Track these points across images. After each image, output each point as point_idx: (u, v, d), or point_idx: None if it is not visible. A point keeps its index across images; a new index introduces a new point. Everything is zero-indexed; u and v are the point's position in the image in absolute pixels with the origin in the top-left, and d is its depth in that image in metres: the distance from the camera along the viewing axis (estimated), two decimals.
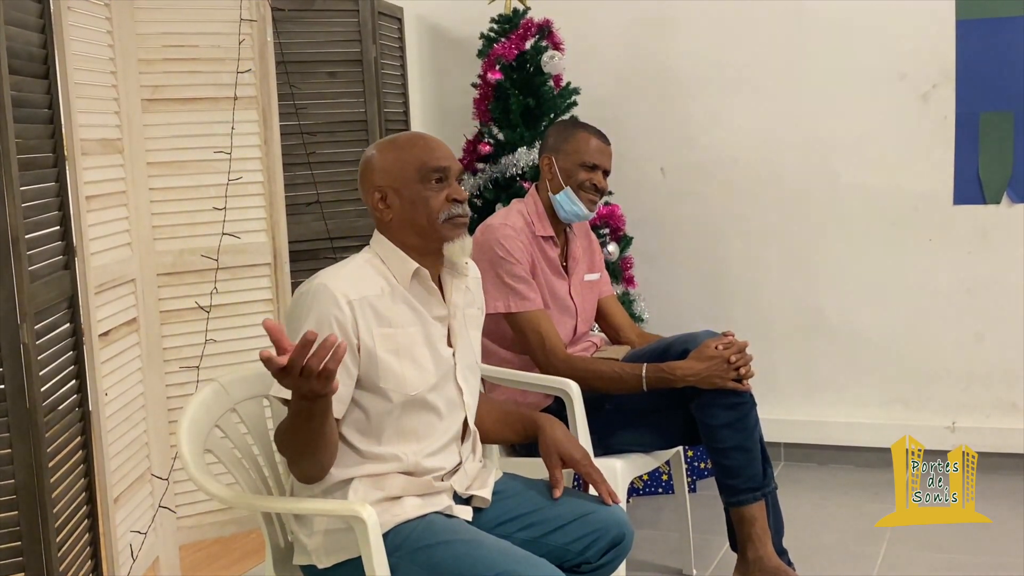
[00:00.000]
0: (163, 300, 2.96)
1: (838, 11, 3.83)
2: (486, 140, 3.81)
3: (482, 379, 2.42)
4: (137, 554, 2.69)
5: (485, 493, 2.11)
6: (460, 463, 2.11)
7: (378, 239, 2.09)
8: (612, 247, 3.72)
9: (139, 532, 2.73)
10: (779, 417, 3.90)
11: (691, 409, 2.69)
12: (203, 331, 3.00)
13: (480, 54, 3.88)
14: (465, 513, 2.05)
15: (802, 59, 3.91)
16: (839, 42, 3.85)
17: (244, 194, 3.07)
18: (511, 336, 2.80)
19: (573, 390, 2.63)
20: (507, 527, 2.08)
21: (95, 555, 2.46)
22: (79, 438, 2.39)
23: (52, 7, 2.36)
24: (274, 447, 2.22)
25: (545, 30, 3.82)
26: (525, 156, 3.71)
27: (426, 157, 2.05)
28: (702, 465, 3.80)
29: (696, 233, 4.12)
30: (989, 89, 3.69)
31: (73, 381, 2.37)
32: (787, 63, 3.93)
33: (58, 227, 2.34)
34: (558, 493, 2.13)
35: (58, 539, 2.18)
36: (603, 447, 2.68)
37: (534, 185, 3.01)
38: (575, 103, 3.85)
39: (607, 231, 3.74)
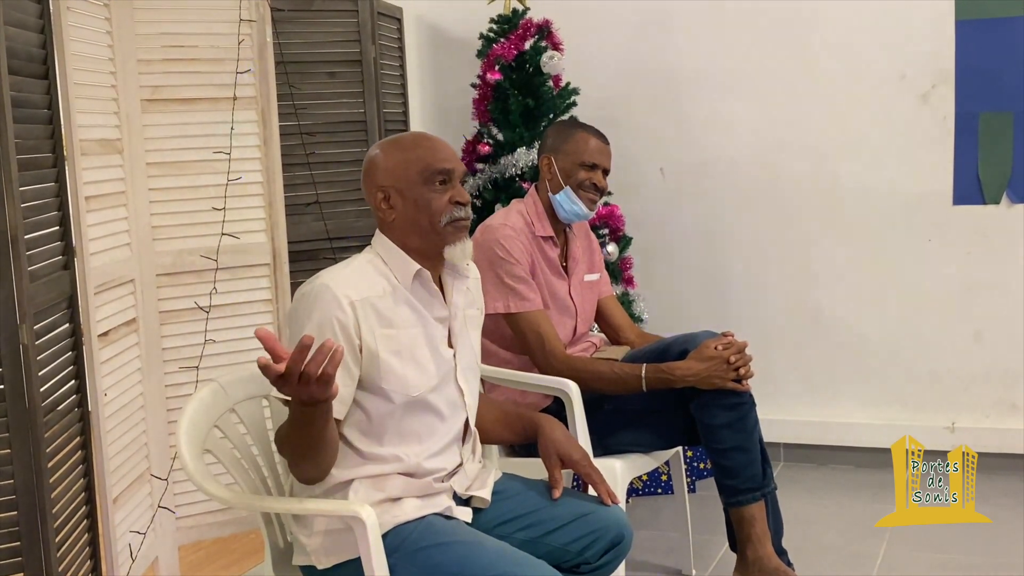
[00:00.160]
0: (162, 300, 2.96)
1: (838, 12, 3.84)
2: (485, 140, 3.81)
3: (481, 379, 2.42)
4: (136, 554, 2.69)
5: (485, 494, 2.11)
6: (461, 464, 2.11)
7: (380, 239, 2.08)
8: (612, 247, 3.72)
9: (138, 532, 2.72)
10: (779, 417, 3.90)
11: (690, 409, 2.69)
12: (202, 331, 3.00)
13: (479, 54, 3.88)
14: (465, 515, 2.05)
15: (802, 59, 3.91)
16: (839, 42, 3.86)
17: (243, 194, 3.07)
18: (511, 336, 2.80)
19: (572, 390, 2.63)
20: (506, 527, 2.08)
21: (94, 555, 2.46)
22: (78, 438, 2.39)
23: (51, 7, 2.36)
24: (274, 448, 2.23)
25: (544, 30, 3.82)
26: (524, 156, 3.71)
27: (430, 159, 2.05)
28: (701, 465, 3.80)
29: (696, 233, 4.12)
30: (988, 89, 3.69)
31: (72, 381, 2.37)
32: (787, 63, 3.93)
33: (57, 227, 2.34)
34: (557, 493, 2.13)
35: (57, 539, 2.18)
36: (602, 447, 2.68)
37: (533, 185, 3.01)
38: (574, 103, 3.86)
39: (607, 231, 3.74)
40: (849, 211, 3.91)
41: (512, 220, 2.82)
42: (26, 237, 2.12)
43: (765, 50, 3.95)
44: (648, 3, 4.06)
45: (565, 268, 2.94)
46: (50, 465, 2.17)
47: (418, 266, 2.04)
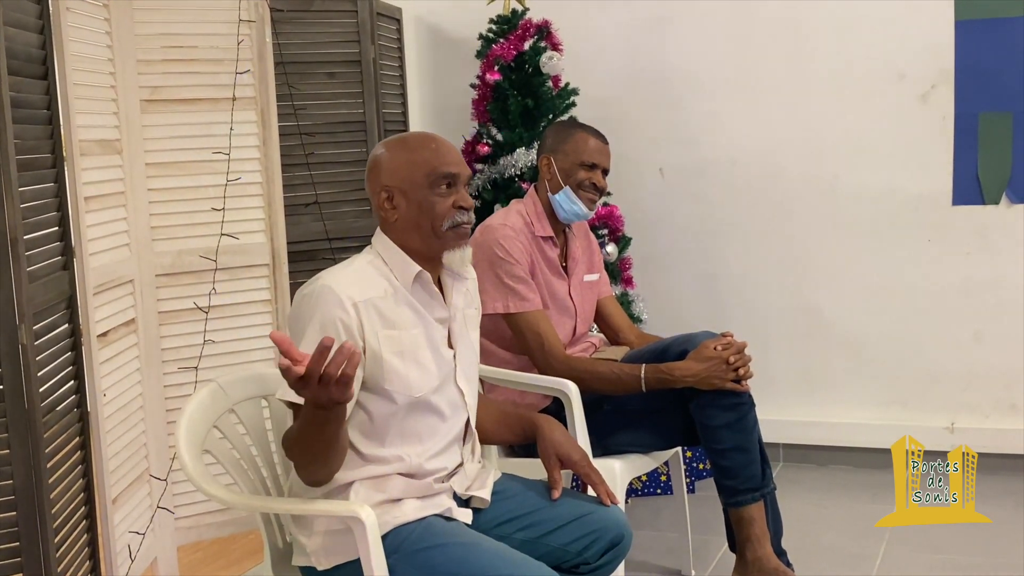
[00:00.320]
0: (162, 301, 2.96)
1: (837, 12, 3.84)
2: (484, 141, 3.81)
3: (481, 380, 2.42)
4: (135, 555, 2.69)
5: (484, 494, 2.11)
6: (461, 463, 2.11)
7: (380, 239, 2.08)
8: (611, 248, 3.72)
9: (137, 533, 2.72)
10: (778, 418, 3.89)
11: (690, 410, 2.69)
12: (201, 332, 3.00)
13: (479, 55, 3.88)
14: (465, 516, 2.05)
15: (801, 60, 3.91)
16: (838, 43, 3.86)
17: (243, 195, 3.07)
18: (510, 337, 2.80)
19: (572, 391, 2.63)
20: (506, 528, 2.08)
21: (93, 556, 2.46)
22: (77, 439, 2.39)
23: (51, 8, 2.36)
24: (273, 448, 2.23)
25: (544, 31, 3.82)
26: (524, 157, 3.71)
27: (436, 162, 2.04)
28: (701, 466, 3.80)
29: (695, 234, 4.12)
30: (988, 89, 3.69)
31: (72, 382, 2.37)
32: (786, 63, 3.93)
33: (57, 228, 2.34)
34: (557, 494, 2.13)
35: (56, 540, 2.18)
36: (602, 448, 2.68)
37: (533, 186, 3.01)
38: (574, 104, 3.86)
39: (606, 232, 3.74)
40: (848, 211, 3.91)
41: (512, 220, 2.82)
42: (25, 237, 2.12)
43: (764, 50, 3.95)
44: (647, 4, 4.06)
45: (565, 268, 2.94)
46: (49, 465, 2.17)
47: (418, 268, 2.04)
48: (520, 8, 3.87)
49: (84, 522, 2.41)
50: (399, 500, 1.99)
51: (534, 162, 3.65)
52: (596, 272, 3.05)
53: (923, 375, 3.88)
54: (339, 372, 1.63)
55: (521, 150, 3.72)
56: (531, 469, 2.27)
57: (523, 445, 2.38)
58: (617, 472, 2.65)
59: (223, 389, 2.16)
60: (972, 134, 3.73)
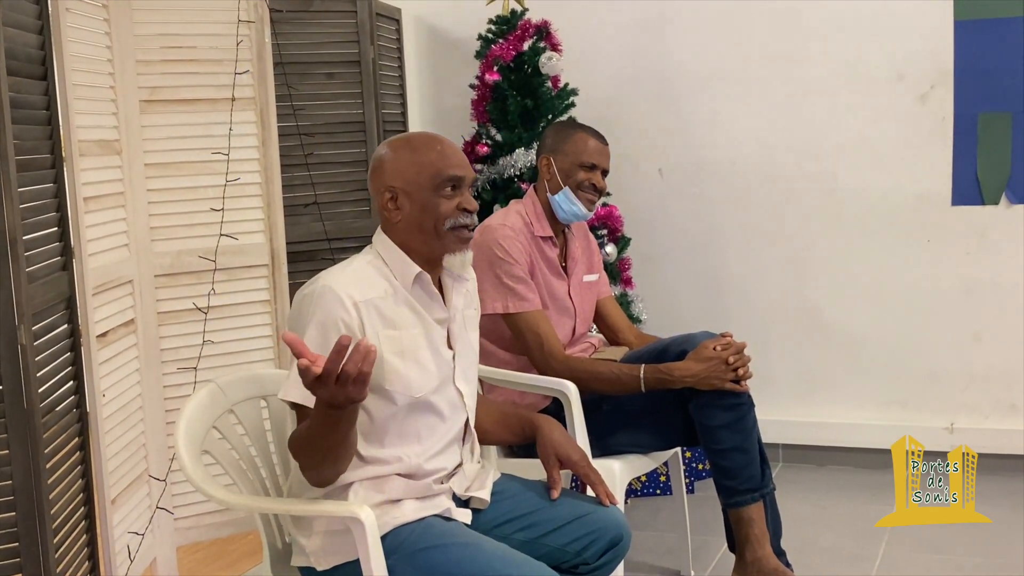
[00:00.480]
0: (161, 301, 2.96)
1: (836, 12, 3.84)
2: (484, 141, 3.81)
3: (480, 380, 2.42)
4: (134, 555, 2.69)
5: (484, 494, 2.11)
6: (460, 464, 2.11)
7: (381, 238, 2.08)
8: (610, 248, 3.72)
9: (136, 533, 2.72)
10: (777, 418, 3.89)
11: (689, 410, 2.69)
12: (201, 332, 3.00)
13: (478, 55, 3.88)
14: (464, 516, 2.05)
15: (800, 60, 3.91)
16: (837, 43, 3.86)
17: (242, 195, 3.07)
18: (509, 337, 2.80)
19: (571, 391, 2.63)
20: (505, 528, 2.08)
21: (92, 556, 2.46)
22: (77, 439, 2.39)
23: (50, 8, 2.36)
24: (272, 449, 2.23)
25: (543, 31, 3.82)
26: (523, 157, 3.71)
27: (442, 164, 2.04)
28: (700, 466, 3.80)
29: (694, 234, 4.12)
30: (987, 90, 3.69)
31: (71, 382, 2.37)
32: (785, 64, 3.93)
33: (56, 228, 2.34)
34: (556, 494, 2.13)
35: (56, 540, 2.18)
36: (601, 448, 2.68)
37: (532, 186, 3.01)
38: (573, 104, 3.86)
39: (605, 232, 3.74)
40: (848, 212, 3.91)
41: (511, 220, 2.82)
42: (25, 238, 2.11)
43: (764, 51, 3.95)
44: (646, 4, 4.06)
45: (564, 268, 2.94)
46: (48, 466, 2.17)
47: (418, 269, 2.04)
48: (519, 8, 3.87)
49: (83, 522, 2.41)
50: (398, 500, 1.99)
51: (533, 162, 3.65)
52: (595, 272, 3.05)
53: (923, 375, 3.88)
54: (357, 371, 1.63)
55: (520, 150, 3.72)
56: (530, 469, 2.27)
57: (522, 445, 2.38)
58: (616, 472, 2.65)
59: (222, 390, 2.16)
60: (971, 134, 3.73)
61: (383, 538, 1.91)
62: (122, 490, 2.68)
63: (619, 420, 2.76)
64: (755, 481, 2.67)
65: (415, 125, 4.08)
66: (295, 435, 1.87)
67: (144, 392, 2.87)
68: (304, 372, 1.63)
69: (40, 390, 2.15)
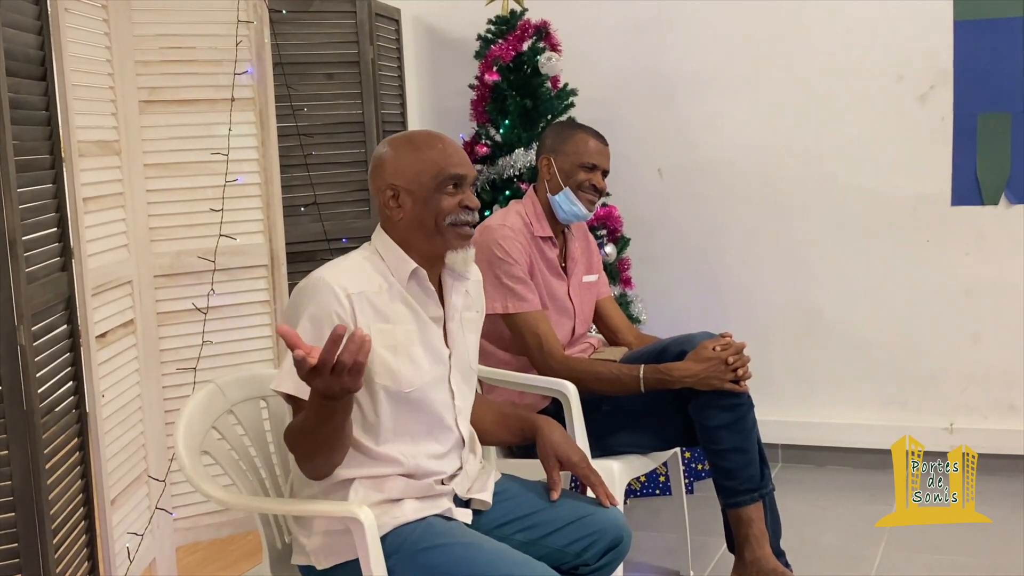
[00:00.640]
0: (160, 302, 2.96)
1: (835, 12, 3.84)
2: (483, 141, 3.81)
3: (480, 380, 2.42)
4: (134, 556, 2.69)
5: (485, 496, 2.10)
6: (461, 467, 2.11)
7: (380, 235, 2.08)
8: (609, 248, 3.72)
9: (136, 534, 2.72)
10: (777, 418, 3.90)
11: (689, 410, 2.69)
12: (200, 332, 3.00)
13: (477, 55, 3.88)
14: (464, 516, 2.05)
15: (800, 60, 3.91)
16: (836, 44, 3.86)
17: (241, 195, 3.07)
18: (509, 337, 2.80)
19: (570, 391, 2.63)
20: (505, 529, 2.08)
21: (92, 557, 2.46)
22: (76, 440, 2.39)
23: (49, 9, 2.36)
24: (271, 449, 2.23)
25: (542, 31, 3.82)
26: (523, 157, 3.71)
27: (444, 163, 2.03)
28: (699, 467, 3.80)
29: (694, 234, 4.12)
30: (987, 90, 3.69)
31: (70, 383, 2.37)
32: (785, 64, 3.93)
33: (55, 228, 2.34)
34: (556, 495, 2.13)
35: (55, 541, 2.17)
36: (600, 449, 2.68)
37: (532, 186, 3.01)
38: (572, 104, 3.86)
39: (604, 232, 3.74)
40: (847, 212, 3.91)
41: (511, 221, 2.82)
42: (24, 238, 2.11)
43: (763, 51, 3.95)
44: (646, 4, 4.06)
45: (564, 269, 2.94)
46: (48, 466, 2.17)
47: (415, 264, 2.03)
48: (519, 9, 3.87)
49: (83, 523, 2.41)
50: (399, 500, 1.99)
51: (533, 163, 3.65)
52: (595, 273, 3.05)
53: (921, 376, 3.88)
54: (352, 360, 1.63)
55: (520, 151, 3.72)
56: (530, 470, 2.26)
57: (522, 446, 2.38)
58: (616, 473, 2.65)
59: (221, 390, 2.16)
60: (971, 134, 3.73)
61: (384, 538, 1.91)
62: (121, 490, 2.68)
63: (619, 420, 2.76)
64: (754, 481, 2.67)
65: (414, 125, 4.08)
66: (290, 427, 1.88)
67: (143, 392, 2.87)
68: (299, 363, 1.63)
69: (40, 390, 2.15)
